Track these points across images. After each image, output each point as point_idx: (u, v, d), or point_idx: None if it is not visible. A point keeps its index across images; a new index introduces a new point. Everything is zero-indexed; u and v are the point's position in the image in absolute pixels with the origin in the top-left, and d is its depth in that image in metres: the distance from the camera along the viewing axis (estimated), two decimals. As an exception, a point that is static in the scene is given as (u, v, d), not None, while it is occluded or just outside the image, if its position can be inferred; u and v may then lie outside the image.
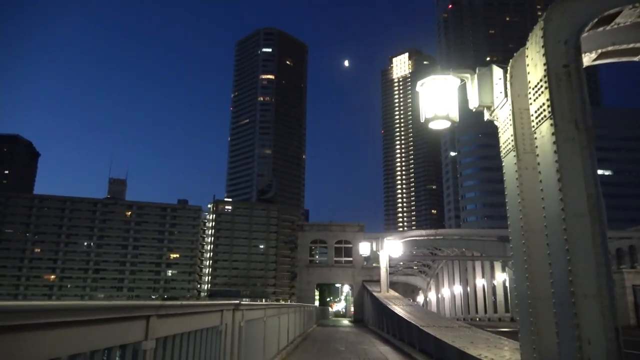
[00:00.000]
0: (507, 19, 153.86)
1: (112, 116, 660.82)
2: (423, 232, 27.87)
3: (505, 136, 5.41)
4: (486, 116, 6.17)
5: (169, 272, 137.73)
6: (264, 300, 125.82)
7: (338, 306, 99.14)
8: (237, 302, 5.42)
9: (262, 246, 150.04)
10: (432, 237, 30.96)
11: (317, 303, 35.93)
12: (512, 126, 5.25)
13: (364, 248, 25.40)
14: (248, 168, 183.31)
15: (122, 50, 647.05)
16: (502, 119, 5.61)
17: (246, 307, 6.01)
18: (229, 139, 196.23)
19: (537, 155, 5.15)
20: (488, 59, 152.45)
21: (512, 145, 5.23)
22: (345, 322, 32.60)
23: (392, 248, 23.92)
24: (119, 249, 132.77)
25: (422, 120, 5.97)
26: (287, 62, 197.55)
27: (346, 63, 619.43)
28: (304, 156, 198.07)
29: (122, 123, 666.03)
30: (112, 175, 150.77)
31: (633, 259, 31.62)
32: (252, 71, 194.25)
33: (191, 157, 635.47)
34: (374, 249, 25.17)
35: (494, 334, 8.67)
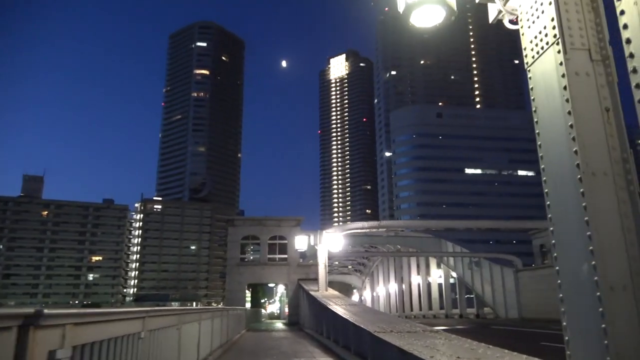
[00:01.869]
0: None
1: (27, 109, 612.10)
2: (365, 224, 26.27)
3: (538, 26, 3.43)
4: (497, 7, 4.18)
5: (90, 277, 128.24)
6: (194, 304, 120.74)
7: (272, 307, 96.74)
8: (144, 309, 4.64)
9: (193, 247, 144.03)
10: (374, 229, 29.37)
11: (248, 305, 33.33)
12: (552, 4, 3.26)
13: (300, 242, 23.27)
14: (180, 166, 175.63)
15: (41, 38, 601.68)
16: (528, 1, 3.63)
17: (152, 313, 4.90)
18: (160, 135, 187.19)
19: (534, 99, 3.36)
20: (422, 62, 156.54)
21: (554, 37, 3.26)
22: (280, 324, 30.38)
23: (332, 241, 21.98)
24: (34, 252, 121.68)
25: (401, 9, 3.87)
26: (223, 58, 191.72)
27: (284, 62, 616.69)
28: (239, 154, 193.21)
29: (40, 117, 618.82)
30: (27, 172, 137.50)
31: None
32: (185, 66, 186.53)
33: (120, 154, 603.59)
34: (312, 243, 23.10)
35: (452, 334, 6.79)
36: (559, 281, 3.30)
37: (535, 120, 3.63)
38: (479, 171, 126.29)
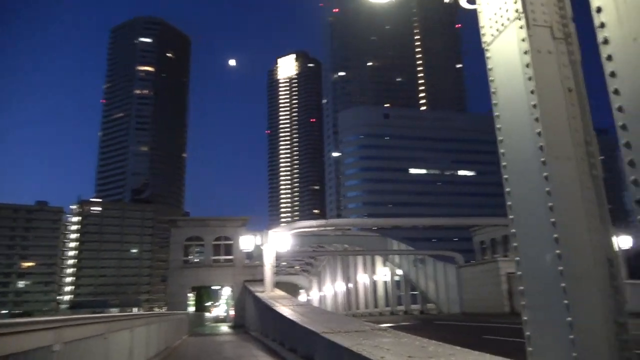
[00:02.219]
0: (387, 27, 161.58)
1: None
2: (313, 222, 25.91)
3: (498, 2, 3.20)
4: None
5: (21, 284, 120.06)
6: (136, 309, 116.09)
7: (218, 311, 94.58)
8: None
9: (135, 250, 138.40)
10: (322, 228, 29.16)
11: (192, 309, 32.16)
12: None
13: (245, 242, 22.57)
14: (121, 166, 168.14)
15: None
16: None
17: (71, 322, 4.35)
18: (99, 134, 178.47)
19: (492, 80, 3.14)
20: (370, 63, 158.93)
21: (516, 12, 3.02)
22: (225, 328, 29.51)
23: (279, 241, 21.48)
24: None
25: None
26: (169, 55, 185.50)
27: (232, 61, 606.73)
28: (184, 154, 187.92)
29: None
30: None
31: (506, 248, 33.18)
32: (128, 62, 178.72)
33: (55, 154, 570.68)
34: (258, 243, 22.49)
35: (395, 330, 6.58)
36: (520, 273, 3.07)
37: (495, 102, 3.40)
38: (423, 171, 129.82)
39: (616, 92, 2.33)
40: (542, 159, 2.87)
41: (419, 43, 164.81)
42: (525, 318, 3.00)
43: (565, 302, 2.63)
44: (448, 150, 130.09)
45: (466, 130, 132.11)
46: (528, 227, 3.01)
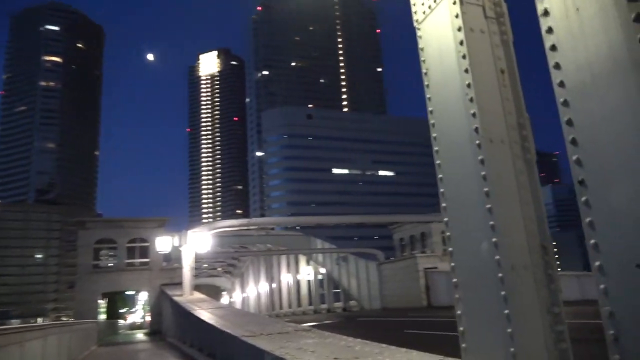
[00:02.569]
0: (311, 28, 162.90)
1: None
2: (235, 222, 25.03)
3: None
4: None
5: None
6: (41, 320, 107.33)
7: (134, 317, 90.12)
8: None
9: (40, 255, 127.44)
10: (245, 227, 28.32)
11: (104, 316, 30.01)
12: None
13: (162, 243, 21.31)
14: (24, 164, 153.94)
15: None
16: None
17: None
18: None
19: (424, 60, 2.97)
20: (294, 63, 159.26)
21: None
22: (140, 335, 27.86)
23: (198, 242, 20.50)
24: None
25: None
26: (79, 45, 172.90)
27: (150, 55, 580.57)
28: (97, 152, 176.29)
29: None
30: None
31: (424, 244, 34.49)
32: (32, 51, 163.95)
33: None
34: (176, 244, 21.35)
35: (319, 329, 6.35)
36: (453, 264, 2.88)
37: (426, 84, 3.20)
38: (345, 171, 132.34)
39: (557, 66, 2.18)
40: (477, 142, 2.69)
41: (341, 45, 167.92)
42: (459, 312, 2.81)
43: (503, 293, 2.45)
44: (369, 151, 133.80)
45: (386, 132, 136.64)
46: (462, 215, 2.82)
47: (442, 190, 3.02)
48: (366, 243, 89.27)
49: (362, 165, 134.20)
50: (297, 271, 48.69)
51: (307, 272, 47.83)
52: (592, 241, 1.98)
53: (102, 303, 29.98)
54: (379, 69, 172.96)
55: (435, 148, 3.07)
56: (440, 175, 3.02)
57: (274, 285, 52.50)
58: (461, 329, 2.77)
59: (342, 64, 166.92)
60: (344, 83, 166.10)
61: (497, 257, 2.51)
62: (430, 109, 3.15)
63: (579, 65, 2.09)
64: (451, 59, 2.91)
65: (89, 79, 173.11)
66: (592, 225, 1.99)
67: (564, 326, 2.46)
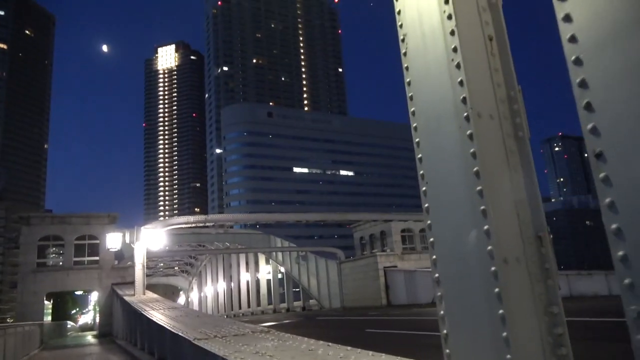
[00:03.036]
0: (273, 25, 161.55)
1: None
2: (191, 218, 24.01)
3: None
4: None
5: None
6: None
7: (86, 318, 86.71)
8: None
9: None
10: (201, 224, 27.27)
11: (49, 318, 28.37)
12: None
13: (112, 240, 20.18)
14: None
15: None
16: None
17: None
18: None
19: (401, 25, 2.62)
20: (255, 60, 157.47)
21: None
22: (90, 338, 26.46)
23: (152, 239, 19.53)
24: None
25: None
26: (27, 32, 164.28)
27: (105, 46, 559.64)
28: (46, 145, 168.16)
29: None
30: None
31: (384, 243, 34.56)
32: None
33: None
34: (128, 241, 20.27)
35: (278, 330, 5.93)
36: (434, 257, 2.50)
37: (404, 51, 2.80)
38: (305, 170, 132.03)
39: (567, 18, 1.83)
40: (465, 114, 2.32)
41: (302, 44, 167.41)
42: (442, 312, 2.42)
43: (497, 290, 2.08)
44: (329, 151, 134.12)
45: (346, 133, 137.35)
46: (446, 199, 2.44)
47: (421, 172, 2.63)
48: (326, 242, 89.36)
49: (323, 165, 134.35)
50: (256, 270, 47.96)
51: (266, 271, 47.18)
52: (614, 226, 1.63)
53: (48, 304, 28.33)
54: (340, 70, 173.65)
55: (414, 124, 2.68)
56: (420, 155, 2.63)
57: (232, 284, 51.53)
58: (444, 331, 2.39)
59: (303, 63, 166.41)
60: (305, 82, 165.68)
61: (490, 247, 2.14)
62: (407, 79, 2.75)
63: (596, 14, 1.74)
64: (434, 20, 2.53)
65: (37, 68, 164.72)
66: (613, 207, 1.64)
67: (564, 328, 2.12)
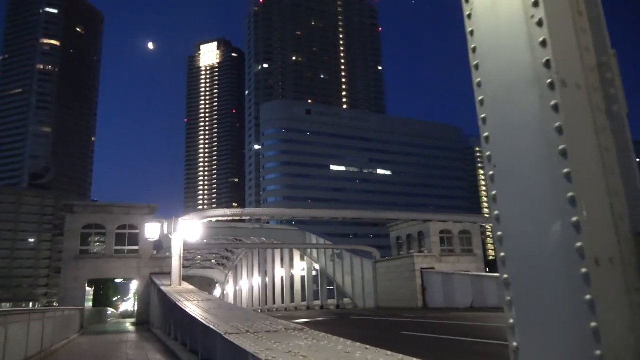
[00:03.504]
0: (313, 23, 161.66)
1: None
2: (227, 211, 24.11)
3: None
4: None
5: None
6: (32, 304, 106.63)
7: (126, 306, 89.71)
8: None
9: (32, 240, 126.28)
10: (238, 217, 27.40)
11: (90, 304, 29.22)
12: None
13: (151, 230, 20.48)
14: (18, 147, 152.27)
15: None
16: None
17: None
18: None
19: None
20: (294, 58, 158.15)
21: None
22: (128, 325, 27.07)
23: (189, 230, 19.69)
24: None
25: None
26: (78, 29, 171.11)
27: (150, 44, 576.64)
28: (93, 138, 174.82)
29: None
30: None
31: (421, 244, 33.75)
32: (29, 33, 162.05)
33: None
34: (166, 232, 20.52)
35: (312, 328, 5.58)
36: (503, 254, 2.09)
37: (468, 13, 2.38)
38: (342, 168, 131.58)
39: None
40: (549, 80, 1.90)
41: (342, 42, 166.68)
42: (512, 321, 2.01)
43: (588, 297, 1.67)
44: (367, 149, 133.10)
45: (384, 132, 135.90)
46: (520, 184, 2.02)
47: (487, 153, 2.22)
48: (362, 241, 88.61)
49: (360, 163, 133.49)
50: (291, 266, 47.99)
51: (301, 268, 47.14)
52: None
53: (90, 290, 29.17)
54: (379, 68, 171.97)
55: (479, 97, 2.27)
56: (486, 134, 2.22)
57: (267, 279, 51.81)
58: (514, 344, 1.98)
59: (342, 61, 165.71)
60: (343, 80, 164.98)
61: (579, 243, 1.72)
62: (472, 45, 2.34)
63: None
64: (510, -29, 2.12)
65: (86, 64, 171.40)
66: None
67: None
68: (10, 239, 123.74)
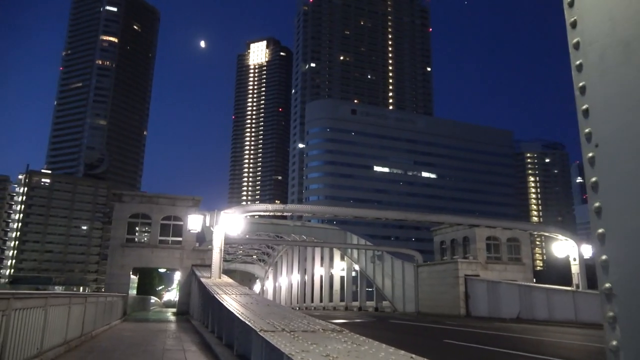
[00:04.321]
0: (362, 22, 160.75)
1: None
2: (269, 206, 24.02)
3: None
4: None
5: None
6: (82, 289, 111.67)
7: (170, 295, 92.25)
8: None
9: (85, 227, 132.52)
10: (279, 213, 27.34)
11: (135, 292, 30.04)
12: None
13: (193, 222, 20.68)
14: (76, 138, 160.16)
15: None
16: None
17: None
18: (55, 102, 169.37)
19: None
20: (342, 57, 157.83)
21: None
22: (169, 314, 27.64)
23: (230, 223, 19.73)
24: None
25: None
26: (135, 27, 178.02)
27: (202, 41, 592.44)
28: (145, 132, 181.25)
29: None
30: None
31: (465, 250, 32.59)
32: (91, 30, 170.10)
33: (5, 120, 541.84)
34: (208, 224, 20.68)
35: (350, 330, 5.17)
36: (604, 257, 1.64)
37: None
38: (386, 170, 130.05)
39: None
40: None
41: (391, 42, 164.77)
42: (614, 343, 1.55)
43: None
44: (411, 151, 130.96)
45: (429, 134, 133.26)
46: (633, 167, 1.56)
47: (586, 130, 1.77)
48: (403, 244, 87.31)
49: (404, 165, 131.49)
50: (330, 265, 47.73)
51: (340, 268, 46.77)
52: None
53: (134, 278, 30.00)
54: (428, 69, 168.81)
55: (577, 62, 1.83)
56: (585, 106, 1.78)
57: (306, 277, 51.80)
58: (616, 370, 1.53)
59: (390, 61, 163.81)
60: (390, 80, 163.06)
61: None
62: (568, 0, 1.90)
63: None
64: None
65: (141, 60, 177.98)
66: None
67: None
68: (65, 226, 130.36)
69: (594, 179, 1.72)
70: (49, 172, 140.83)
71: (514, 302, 25.66)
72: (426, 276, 33.94)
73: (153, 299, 49.15)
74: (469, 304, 28.69)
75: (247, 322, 6.59)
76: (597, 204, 1.69)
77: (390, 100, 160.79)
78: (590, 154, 1.75)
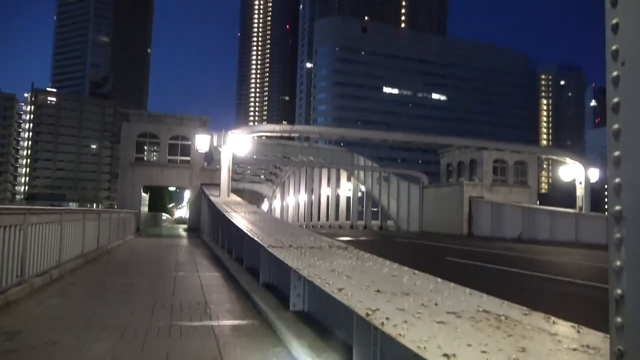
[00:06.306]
0: None
1: None
2: (277, 126, 23.99)
3: None
4: None
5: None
6: (95, 205, 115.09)
7: (181, 213, 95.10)
8: None
9: (94, 146, 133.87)
10: (287, 133, 27.35)
11: (146, 209, 30.92)
12: None
13: (201, 142, 20.79)
14: (79, 56, 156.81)
15: None
16: None
17: None
18: (55, 17, 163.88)
19: None
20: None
21: None
22: (180, 231, 28.66)
23: (237, 143, 19.80)
24: None
25: None
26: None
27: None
28: (149, 50, 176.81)
29: None
30: None
31: (472, 172, 32.77)
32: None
33: (6, 36, 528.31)
34: (215, 144, 20.77)
35: (355, 247, 5.32)
36: (617, 179, 1.62)
37: None
38: (395, 91, 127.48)
39: None
40: None
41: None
42: (618, 263, 1.56)
43: None
44: (423, 73, 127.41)
45: (442, 54, 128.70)
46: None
47: (614, 47, 1.66)
48: (410, 166, 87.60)
49: (414, 87, 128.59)
50: (337, 186, 48.44)
51: (347, 188, 47.47)
52: None
53: (146, 196, 30.74)
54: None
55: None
56: (616, 20, 1.65)
57: (313, 197, 52.81)
58: (618, 292, 1.55)
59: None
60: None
61: None
62: None
63: None
64: None
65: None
66: None
67: None
68: (74, 144, 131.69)
69: (615, 100, 1.63)
70: (55, 90, 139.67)
71: (517, 223, 26.22)
72: (431, 197, 34.45)
73: (165, 216, 50.70)
74: (472, 225, 29.38)
75: (255, 238, 6.81)
76: (616, 126, 1.63)
77: (403, 18, 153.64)
78: (615, 73, 1.64)
